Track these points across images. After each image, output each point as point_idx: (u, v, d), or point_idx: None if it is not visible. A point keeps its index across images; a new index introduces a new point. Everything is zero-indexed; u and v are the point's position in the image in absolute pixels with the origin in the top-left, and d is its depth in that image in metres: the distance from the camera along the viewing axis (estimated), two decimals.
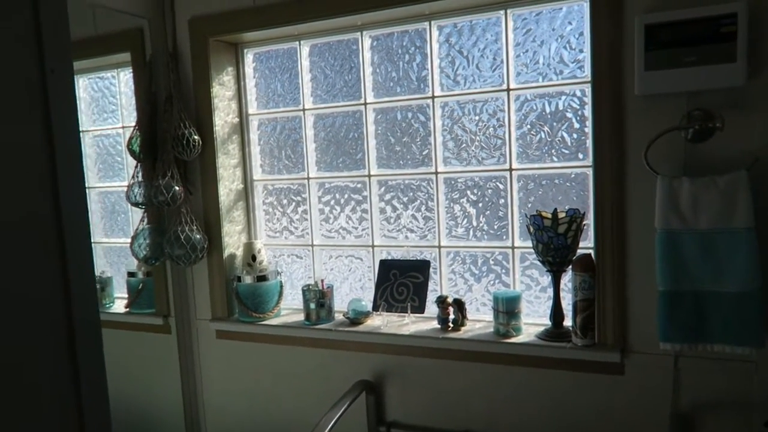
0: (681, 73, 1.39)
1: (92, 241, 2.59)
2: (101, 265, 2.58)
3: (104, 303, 2.42)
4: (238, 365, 2.13)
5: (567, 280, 1.71)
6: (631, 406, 1.58)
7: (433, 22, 1.85)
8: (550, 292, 1.71)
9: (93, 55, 2.27)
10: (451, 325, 1.82)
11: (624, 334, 1.57)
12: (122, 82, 2.44)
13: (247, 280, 2.05)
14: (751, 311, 1.35)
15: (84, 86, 2.53)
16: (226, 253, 2.11)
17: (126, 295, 2.36)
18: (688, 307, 1.41)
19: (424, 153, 1.93)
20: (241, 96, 2.17)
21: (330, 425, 1.56)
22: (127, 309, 2.32)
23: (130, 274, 2.32)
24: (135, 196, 2.04)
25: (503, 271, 1.87)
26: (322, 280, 2.00)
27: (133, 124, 2.09)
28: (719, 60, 1.36)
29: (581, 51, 1.69)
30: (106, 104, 2.50)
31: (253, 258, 2.08)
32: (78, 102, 2.53)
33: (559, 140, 1.75)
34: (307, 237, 2.15)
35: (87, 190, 2.56)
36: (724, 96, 1.41)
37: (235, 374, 2.14)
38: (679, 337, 1.43)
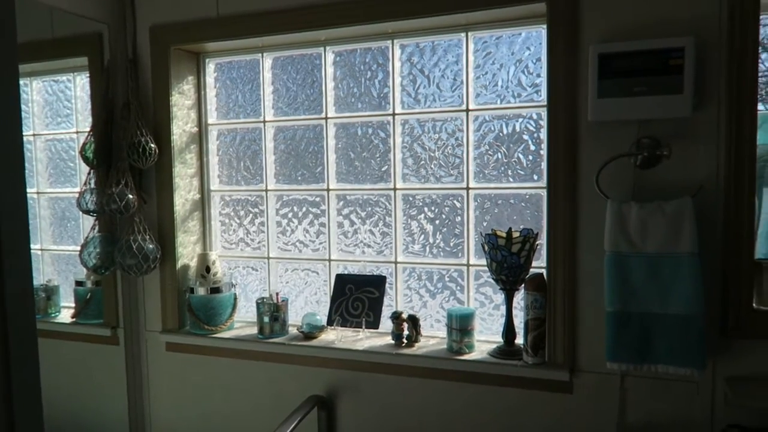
0: (631, 102, 1.45)
1: (40, 247, 2.51)
2: (49, 273, 2.50)
3: (50, 312, 2.34)
4: (188, 378, 2.08)
5: (520, 298, 1.74)
6: (579, 424, 1.61)
7: (395, 41, 1.88)
8: (503, 309, 1.74)
9: (49, 57, 2.21)
10: (405, 341, 1.82)
11: (573, 353, 1.60)
12: (78, 86, 2.38)
13: (201, 291, 2.01)
14: (693, 334, 1.40)
15: (38, 89, 2.46)
16: (179, 264, 2.06)
17: (73, 305, 2.28)
18: (635, 328, 1.46)
19: (383, 169, 1.94)
20: (201, 105, 2.14)
21: None
22: (74, 319, 2.24)
23: (78, 283, 2.25)
24: (87, 204, 1.98)
25: (458, 288, 1.89)
26: (277, 294, 1.98)
27: (88, 129, 2.04)
28: (667, 91, 1.41)
29: (539, 76, 1.74)
30: (61, 108, 2.43)
31: (207, 269, 2.05)
32: (30, 105, 2.46)
33: (515, 161, 1.78)
34: (264, 249, 2.12)
35: (37, 196, 2.49)
36: (671, 125, 1.47)
37: (184, 388, 2.09)
38: (626, 357, 1.46)
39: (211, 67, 2.14)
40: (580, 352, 1.60)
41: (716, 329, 1.46)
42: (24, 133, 2.50)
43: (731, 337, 1.46)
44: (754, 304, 1.45)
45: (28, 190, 2.49)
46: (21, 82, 2.48)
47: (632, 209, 1.46)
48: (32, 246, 2.51)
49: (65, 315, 2.33)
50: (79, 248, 2.05)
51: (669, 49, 1.40)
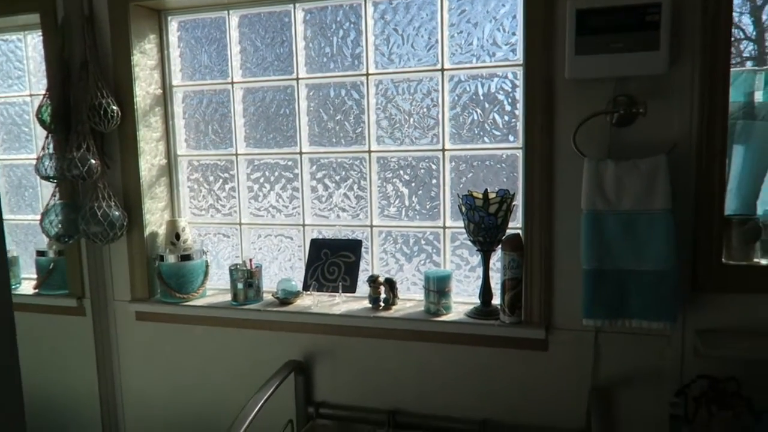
0: (608, 59, 1.44)
1: None
2: (7, 244, 2.39)
3: (10, 284, 2.24)
4: (160, 348, 2.04)
5: (496, 259, 1.75)
6: (555, 380, 1.64)
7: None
8: (480, 271, 1.74)
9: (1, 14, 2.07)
10: (382, 304, 1.82)
11: (549, 312, 1.63)
12: (30, 46, 2.25)
13: (171, 259, 1.96)
14: (666, 289, 1.43)
15: None
16: (147, 231, 2.00)
17: (35, 276, 2.20)
18: (611, 285, 1.48)
19: (357, 131, 1.90)
20: (164, 66, 2.05)
21: (257, 407, 1.53)
22: (36, 290, 2.17)
23: (40, 253, 2.17)
24: (45, 169, 1.89)
25: (434, 250, 1.89)
26: (251, 260, 1.94)
27: (43, 92, 1.93)
28: (643, 48, 1.41)
29: (514, 34, 1.72)
30: (11, 69, 2.31)
31: (177, 237, 1.99)
32: None
33: (491, 122, 1.77)
34: (235, 215, 2.07)
35: None
36: (647, 83, 1.47)
37: (157, 358, 2.05)
38: (602, 314, 1.49)
39: (174, 26, 2.05)
40: (556, 310, 1.62)
41: (687, 284, 1.50)
42: None
43: (701, 291, 1.50)
44: (723, 259, 1.48)
45: None
46: None
47: (608, 167, 1.46)
48: None
49: (27, 287, 2.25)
50: (39, 217, 1.96)
51: (646, 4, 1.39)
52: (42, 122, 1.93)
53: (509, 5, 1.71)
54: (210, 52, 2.03)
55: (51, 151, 1.91)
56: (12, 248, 2.32)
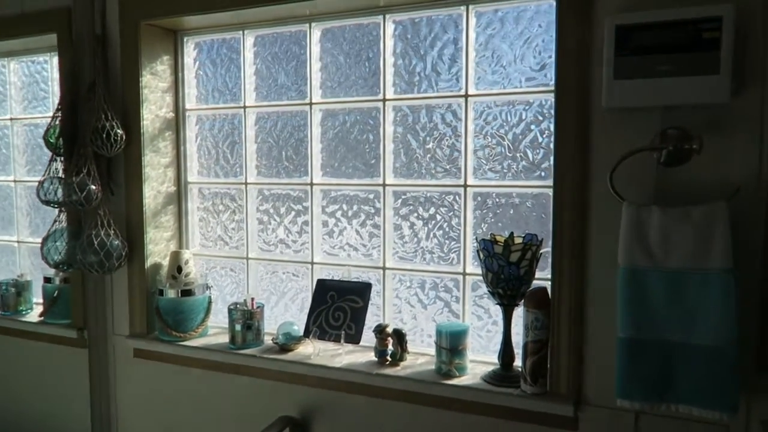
0: (655, 84, 1.19)
1: (17, 239, 2.36)
2: (25, 267, 2.35)
3: (20, 309, 2.19)
4: (156, 388, 1.90)
5: (520, 314, 1.50)
6: None
7: (388, 16, 1.65)
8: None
9: (19, 34, 2.05)
10: (389, 358, 1.60)
11: (579, 384, 1.36)
12: (54, 67, 2.22)
13: (170, 294, 1.82)
14: (723, 369, 1.14)
15: (15, 70, 2.31)
16: (149, 263, 1.88)
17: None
18: (652, 360, 1.20)
19: (371, 162, 1.72)
20: (178, 89, 1.95)
21: None
22: (42, 318, 2.09)
23: (47, 280, 2.09)
24: (45, 193, 1.81)
25: (453, 299, 1.66)
26: (252, 299, 1.78)
27: (52, 113, 1.87)
28: (699, 71, 1.15)
29: (550, 56, 1.49)
30: (37, 91, 2.28)
31: (179, 269, 1.86)
32: (8, 87, 2.31)
33: (520, 155, 1.54)
34: (242, 249, 1.92)
35: (14, 184, 2.34)
36: (704, 114, 1.21)
37: (152, 399, 1.91)
38: (640, 394, 1.21)
39: (190, 47, 1.95)
40: (588, 382, 1.35)
41: (752, 363, 1.20)
42: (1, 117, 2.36)
43: None
44: None
45: (5, 177, 2.34)
46: None
47: (653, 214, 1.20)
48: (8, 238, 2.37)
49: (37, 313, 2.18)
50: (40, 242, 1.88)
51: (703, 19, 1.14)
52: (48, 144, 1.86)
53: (545, 24, 1.49)
54: (225, 74, 1.91)
55: (53, 174, 1.83)
56: (27, 272, 2.26)
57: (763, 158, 1.17)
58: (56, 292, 2.05)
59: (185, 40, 1.93)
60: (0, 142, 2.38)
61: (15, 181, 2.35)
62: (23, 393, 2.14)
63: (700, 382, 1.16)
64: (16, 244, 2.37)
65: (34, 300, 2.23)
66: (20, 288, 2.19)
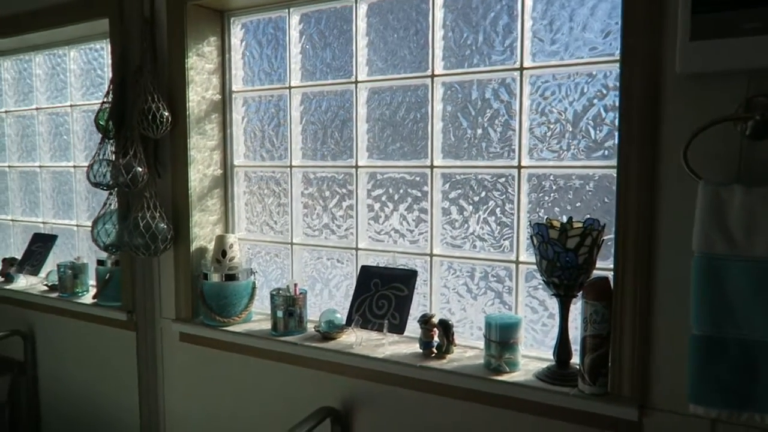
0: (740, 45, 1.03)
1: (76, 223, 2.42)
2: (82, 250, 2.40)
3: (77, 291, 2.23)
4: (201, 373, 1.88)
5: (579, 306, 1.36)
6: None
7: None
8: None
9: (74, 20, 2.06)
10: (435, 351, 1.50)
11: (645, 386, 1.21)
12: (109, 53, 2.24)
13: (215, 278, 1.79)
14: None
15: (74, 57, 2.36)
16: (194, 246, 1.85)
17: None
18: (732, 361, 1.05)
19: (419, 143, 1.62)
20: (225, 70, 1.91)
21: None
22: (95, 300, 2.12)
23: (99, 263, 2.11)
24: (95, 176, 1.81)
25: (505, 289, 1.54)
26: (296, 284, 1.72)
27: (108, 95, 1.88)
28: None
29: (616, 23, 1.34)
30: (95, 77, 2.31)
31: (223, 254, 1.82)
32: (68, 74, 2.35)
33: (582, 133, 1.40)
34: (287, 234, 1.87)
35: (73, 169, 2.39)
36: None
37: (197, 383, 1.89)
38: (716, 400, 1.06)
39: (237, 27, 1.91)
40: (655, 383, 1.21)
41: None
42: (62, 104, 2.42)
43: None
44: None
45: (66, 163, 2.40)
46: (59, 51, 2.39)
47: (735, 195, 1.04)
48: (68, 221, 2.42)
49: (91, 295, 2.21)
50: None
51: None
52: (99, 127, 1.87)
53: None
54: (271, 55, 1.86)
55: (103, 157, 1.83)
56: (84, 255, 2.30)
57: None
58: (108, 274, 2.07)
59: (232, 20, 1.89)
60: (61, 128, 2.44)
61: (75, 166, 2.40)
62: (78, 374, 2.18)
63: None
64: (75, 228, 2.42)
65: (90, 282, 2.27)
66: (77, 270, 2.23)
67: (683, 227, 1.14)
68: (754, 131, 1.08)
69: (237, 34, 1.91)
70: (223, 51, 1.90)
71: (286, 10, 1.79)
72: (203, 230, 1.88)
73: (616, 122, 1.30)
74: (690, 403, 1.09)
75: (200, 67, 1.84)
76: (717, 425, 1.14)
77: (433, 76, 1.57)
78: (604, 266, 1.35)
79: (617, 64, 1.29)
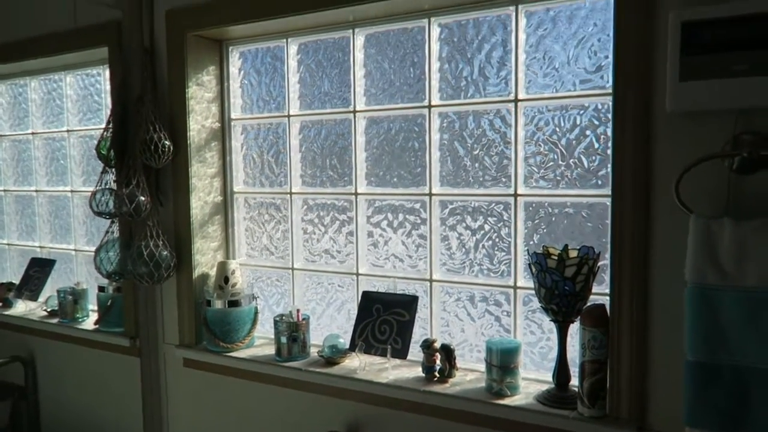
0: (727, 85, 1.09)
1: (74, 248, 2.43)
2: (81, 275, 2.41)
3: (77, 317, 2.25)
4: (206, 399, 1.90)
5: (575, 330, 1.41)
6: None
7: (433, 19, 1.59)
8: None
9: (73, 48, 2.09)
10: (437, 375, 1.54)
11: (642, 409, 1.26)
12: (106, 79, 2.26)
13: (218, 304, 1.82)
14: None
15: (70, 83, 2.38)
16: (196, 273, 1.88)
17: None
18: (726, 386, 1.10)
19: (417, 170, 1.66)
20: (223, 98, 1.94)
21: None
22: (96, 326, 2.13)
23: (101, 289, 2.13)
24: (98, 205, 1.84)
25: (503, 313, 1.58)
26: (298, 311, 1.75)
27: (104, 125, 1.90)
28: None
29: (606, 57, 1.40)
30: (91, 103, 2.33)
31: (226, 280, 1.85)
32: (65, 100, 2.37)
33: (575, 162, 1.45)
34: (288, 259, 1.90)
35: (71, 194, 2.41)
36: None
37: (201, 408, 1.91)
38: (711, 424, 1.11)
39: (235, 56, 1.94)
40: (652, 406, 1.26)
41: None
42: (58, 129, 2.43)
43: None
44: None
45: (63, 188, 2.41)
46: (54, 76, 2.41)
47: (725, 228, 1.10)
48: (66, 246, 2.43)
49: (92, 321, 2.23)
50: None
51: None
52: (101, 156, 1.89)
53: (601, 22, 1.39)
54: (269, 83, 1.90)
55: (105, 186, 1.86)
56: (83, 280, 2.32)
57: None
58: (110, 301, 2.09)
59: (230, 49, 1.93)
60: (58, 153, 2.45)
61: (72, 191, 2.42)
62: (80, 399, 2.20)
63: None
64: (73, 253, 2.43)
65: (90, 308, 2.28)
66: (77, 296, 2.24)
67: (676, 257, 1.19)
68: (742, 166, 1.13)
69: (235, 63, 1.94)
70: (222, 80, 1.94)
71: (284, 40, 1.83)
72: (205, 257, 1.91)
73: (608, 152, 1.36)
74: (686, 426, 1.13)
75: (200, 96, 1.87)
76: None
77: (430, 106, 1.62)
78: (600, 291, 1.39)
79: (609, 97, 1.35)
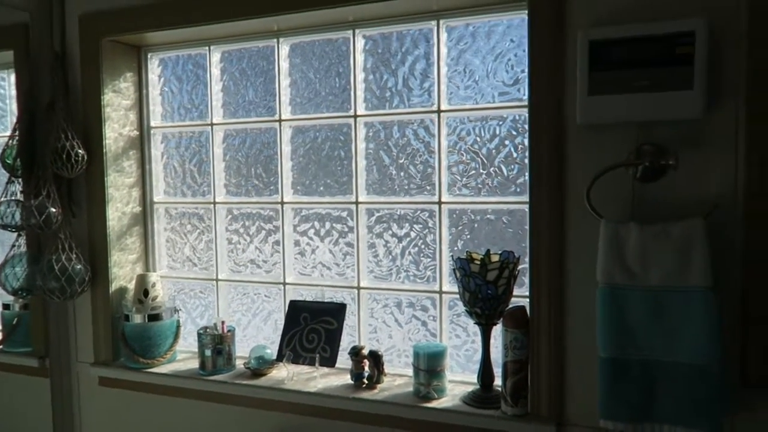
0: (630, 100, 1.18)
1: None
2: None
3: None
4: (123, 418, 1.82)
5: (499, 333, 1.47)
6: None
7: (357, 31, 1.61)
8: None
9: None
10: (366, 381, 1.55)
11: (561, 404, 1.33)
12: (11, 84, 2.13)
13: (137, 319, 1.75)
14: (707, 386, 1.13)
15: None
16: (114, 286, 1.80)
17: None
18: (635, 379, 1.18)
19: (343, 180, 1.68)
20: (142, 106, 1.88)
21: None
22: (1, 346, 1.98)
23: (5, 306, 1.98)
24: (2, 217, 1.72)
25: (430, 317, 1.62)
26: (223, 322, 1.71)
27: (9, 133, 1.79)
28: (674, 86, 1.14)
29: (523, 71, 1.47)
30: None
31: (145, 293, 1.78)
32: None
33: (495, 171, 1.52)
34: (212, 270, 1.86)
35: None
36: (679, 129, 1.20)
37: (119, 429, 1.82)
38: (623, 415, 1.19)
39: (155, 63, 1.89)
40: (570, 402, 1.33)
41: (734, 380, 1.19)
42: None
43: (754, 389, 1.18)
44: None
45: None
46: None
47: (631, 232, 1.18)
48: None
49: None
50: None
51: (676, 34, 1.13)
52: (5, 165, 1.78)
53: (517, 39, 1.47)
54: (191, 91, 1.85)
55: (11, 197, 1.74)
56: None
57: (739, 174, 1.16)
58: (16, 319, 1.95)
59: (149, 56, 1.87)
60: None
61: None
62: None
63: (684, 401, 1.14)
64: None
65: None
66: None
67: (588, 260, 1.27)
68: (644, 175, 1.23)
69: (155, 70, 1.89)
70: (141, 87, 1.88)
71: (207, 48, 1.80)
72: (123, 270, 1.83)
73: (526, 161, 1.43)
74: (600, 419, 1.21)
75: (117, 104, 1.80)
76: None
77: (355, 116, 1.64)
78: (520, 294, 1.46)
79: (525, 109, 1.42)
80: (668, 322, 1.15)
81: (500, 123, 1.51)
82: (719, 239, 1.16)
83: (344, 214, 1.69)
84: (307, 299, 1.72)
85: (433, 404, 1.44)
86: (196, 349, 1.76)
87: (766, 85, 1.13)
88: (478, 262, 1.37)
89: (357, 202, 1.65)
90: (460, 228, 1.57)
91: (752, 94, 1.14)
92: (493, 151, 1.52)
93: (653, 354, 1.17)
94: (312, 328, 1.65)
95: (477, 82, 1.52)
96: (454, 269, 1.42)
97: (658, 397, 1.17)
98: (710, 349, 1.12)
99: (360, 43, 1.62)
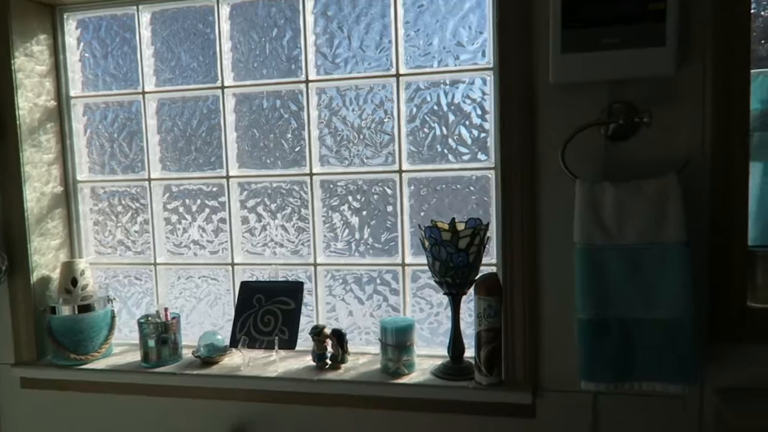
0: (601, 58, 1.16)
1: None
2: None
3: None
4: (53, 422, 1.63)
5: (468, 300, 1.44)
6: None
7: None
8: (450, 313, 1.42)
9: None
10: (329, 362, 1.47)
11: (536, 371, 1.32)
12: None
13: (65, 311, 1.57)
14: (683, 341, 1.14)
15: None
16: (35, 276, 1.60)
17: None
18: (615, 339, 1.18)
19: (296, 150, 1.57)
20: (59, 72, 1.67)
21: None
22: None
23: None
24: None
25: (392, 292, 1.56)
26: (166, 309, 1.57)
27: None
28: (646, 43, 1.14)
29: (481, 33, 1.43)
30: None
31: (74, 282, 1.60)
32: None
33: (457, 137, 1.47)
34: (149, 254, 1.70)
35: None
36: (650, 87, 1.20)
37: None
38: (606, 376, 1.19)
39: (72, 24, 1.68)
40: (545, 368, 1.31)
41: (704, 333, 1.22)
42: None
43: (722, 341, 1.22)
44: (748, 302, 1.21)
45: None
46: None
47: (606, 191, 1.18)
48: None
49: None
50: None
51: None
52: None
53: None
54: (117, 56, 1.67)
55: None
56: None
57: (706, 130, 1.18)
58: None
59: (65, 16, 1.66)
60: None
61: None
62: None
63: (664, 357, 1.15)
64: None
65: None
66: None
67: (562, 221, 1.26)
68: (615, 134, 1.22)
69: (72, 32, 1.68)
70: (56, 51, 1.67)
71: (134, 7, 1.62)
72: (45, 257, 1.64)
73: (487, 126, 1.40)
74: (582, 380, 1.20)
75: (29, 69, 1.59)
76: (598, 397, 1.28)
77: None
78: (488, 262, 1.43)
79: (489, 72, 1.38)
80: (646, 279, 1.16)
81: (459, 87, 1.46)
82: (690, 195, 1.18)
83: (297, 187, 1.59)
84: (260, 279, 1.61)
85: (404, 380, 1.38)
86: (136, 341, 1.61)
87: (730, 41, 1.15)
88: (449, 230, 1.32)
89: (311, 174, 1.56)
90: (421, 196, 1.51)
91: (718, 51, 1.15)
92: (455, 116, 1.47)
93: (632, 312, 1.17)
94: (267, 309, 1.54)
95: (436, 46, 1.46)
96: (422, 239, 1.36)
97: (638, 355, 1.17)
98: (685, 303, 1.13)
99: (310, 3, 1.52)
